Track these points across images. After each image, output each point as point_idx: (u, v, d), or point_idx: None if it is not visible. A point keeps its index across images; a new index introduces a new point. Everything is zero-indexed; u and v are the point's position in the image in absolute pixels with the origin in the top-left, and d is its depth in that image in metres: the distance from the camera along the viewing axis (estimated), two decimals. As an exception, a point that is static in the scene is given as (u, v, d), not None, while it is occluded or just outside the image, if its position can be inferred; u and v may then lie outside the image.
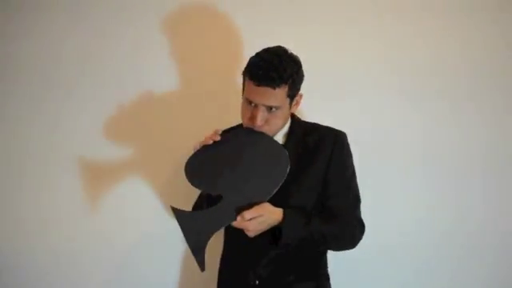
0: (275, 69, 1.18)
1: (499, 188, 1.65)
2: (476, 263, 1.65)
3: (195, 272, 1.17)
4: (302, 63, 1.27)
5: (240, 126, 1.36)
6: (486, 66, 1.64)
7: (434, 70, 1.64)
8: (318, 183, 1.30)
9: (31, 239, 1.68)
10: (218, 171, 1.23)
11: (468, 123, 1.64)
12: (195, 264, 1.19)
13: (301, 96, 1.31)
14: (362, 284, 1.66)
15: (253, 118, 1.24)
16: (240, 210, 1.18)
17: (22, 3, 1.68)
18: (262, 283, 1.30)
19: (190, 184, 1.24)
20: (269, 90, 1.19)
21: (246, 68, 1.25)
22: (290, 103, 1.27)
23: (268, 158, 1.24)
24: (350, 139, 1.35)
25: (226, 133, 1.30)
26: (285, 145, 1.30)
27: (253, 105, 1.23)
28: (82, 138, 1.68)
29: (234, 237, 1.34)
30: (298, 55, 1.26)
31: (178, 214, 1.19)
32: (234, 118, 1.41)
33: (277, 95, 1.20)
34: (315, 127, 1.37)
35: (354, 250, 1.34)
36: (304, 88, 1.30)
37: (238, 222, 1.18)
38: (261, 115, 1.22)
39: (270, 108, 1.22)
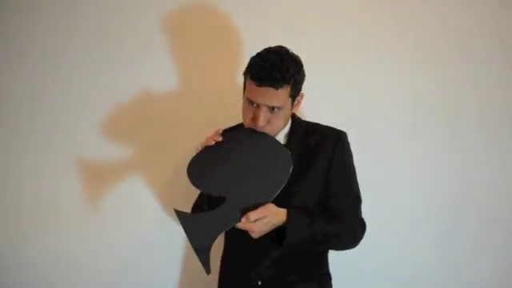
0: (278, 69, 1.18)
1: (502, 186, 1.64)
2: (477, 263, 1.65)
3: (195, 273, 1.17)
4: (302, 63, 1.26)
5: (240, 126, 1.35)
6: (486, 63, 1.63)
7: (434, 69, 1.64)
8: (319, 183, 1.30)
9: (31, 239, 1.68)
10: (221, 172, 1.23)
11: (468, 125, 1.64)
12: (195, 265, 1.19)
13: (302, 96, 1.31)
14: (363, 284, 1.66)
15: (255, 118, 1.23)
16: (244, 211, 1.17)
17: (21, 3, 1.68)
18: (264, 284, 1.30)
19: (190, 184, 1.23)
20: (271, 90, 1.19)
21: (247, 68, 1.24)
22: (292, 103, 1.27)
23: (271, 159, 1.23)
24: (349, 138, 1.35)
25: (227, 133, 1.30)
26: (287, 145, 1.30)
27: (255, 105, 1.23)
28: (82, 137, 1.68)
29: (235, 238, 1.34)
30: (298, 55, 1.26)
31: (181, 216, 1.18)
32: (235, 118, 1.41)
33: (279, 95, 1.20)
34: (316, 127, 1.36)
35: (354, 249, 1.34)
36: (304, 88, 1.29)
37: (243, 224, 1.17)
38: (263, 115, 1.22)
39: (272, 108, 1.22)
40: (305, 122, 1.39)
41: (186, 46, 1.68)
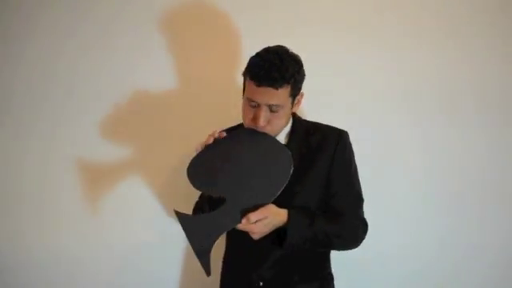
0: (277, 69, 1.17)
1: (501, 182, 1.64)
2: (477, 262, 1.65)
3: (196, 273, 1.17)
4: (302, 62, 1.25)
5: (241, 126, 1.35)
6: (486, 65, 1.63)
7: (434, 69, 1.64)
8: (321, 182, 1.29)
9: (31, 239, 1.68)
10: (221, 173, 1.22)
11: (468, 125, 1.64)
12: (196, 265, 1.18)
13: (302, 95, 1.30)
14: (365, 284, 1.65)
15: (255, 118, 1.23)
16: (244, 212, 1.16)
17: (22, 3, 1.68)
18: (265, 285, 1.29)
19: (190, 184, 1.23)
20: (271, 90, 1.18)
21: (246, 68, 1.24)
22: (292, 102, 1.26)
23: (271, 159, 1.23)
24: (350, 138, 1.35)
25: (227, 133, 1.29)
26: (288, 145, 1.30)
27: (255, 105, 1.22)
28: (82, 137, 1.68)
29: (237, 239, 1.33)
30: (298, 54, 1.25)
31: (181, 217, 1.17)
32: (235, 118, 1.41)
33: (279, 95, 1.19)
34: (317, 126, 1.36)
35: (356, 249, 1.34)
36: (304, 87, 1.29)
37: (243, 225, 1.16)
38: (263, 116, 1.21)
39: (272, 108, 1.21)
40: (306, 121, 1.38)
41: (185, 46, 1.68)
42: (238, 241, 1.31)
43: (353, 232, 1.30)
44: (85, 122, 1.68)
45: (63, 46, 1.68)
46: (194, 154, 1.26)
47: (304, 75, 1.26)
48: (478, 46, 1.63)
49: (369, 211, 1.35)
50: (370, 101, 1.65)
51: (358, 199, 1.33)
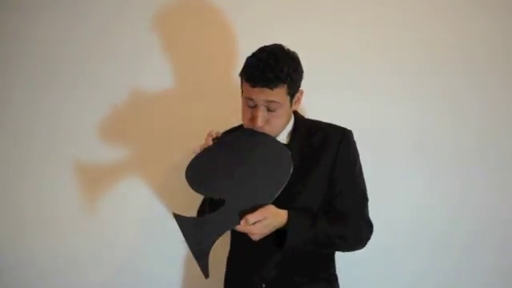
0: (271, 69, 1.15)
1: (500, 183, 1.64)
2: (477, 262, 1.65)
3: (196, 275, 1.16)
4: (301, 61, 1.24)
5: (241, 127, 1.33)
6: (485, 62, 1.63)
7: (435, 68, 1.64)
8: (324, 182, 1.27)
9: (31, 239, 1.68)
10: (220, 175, 1.20)
11: (469, 124, 1.64)
12: (198, 267, 1.17)
13: (301, 93, 1.28)
14: (368, 284, 1.65)
15: (253, 118, 1.21)
16: (243, 213, 1.14)
17: (22, 3, 1.68)
18: (268, 286, 1.27)
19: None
20: (266, 90, 1.16)
21: (242, 69, 1.22)
22: (291, 101, 1.24)
23: (270, 160, 1.21)
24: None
25: (227, 134, 1.29)
26: (289, 144, 1.28)
27: (252, 105, 1.21)
28: (82, 138, 1.68)
29: (239, 239, 1.31)
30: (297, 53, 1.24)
31: (179, 220, 1.16)
32: (233, 118, 1.40)
33: (275, 95, 1.17)
34: (320, 125, 1.33)
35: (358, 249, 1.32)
36: (303, 87, 1.28)
37: (242, 226, 1.14)
38: (261, 116, 1.20)
39: (269, 108, 1.20)
40: (309, 120, 1.35)
41: (185, 46, 1.68)
42: (241, 241, 1.30)
43: (357, 233, 1.27)
44: (85, 122, 1.68)
45: (63, 46, 1.68)
46: (192, 155, 1.25)
47: (302, 73, 1.24)
48: (478, 40, 1.63)
49: (369, 210, 1.34)
50: (370, 101, 1.65)
51: (363, 199, 1.30)
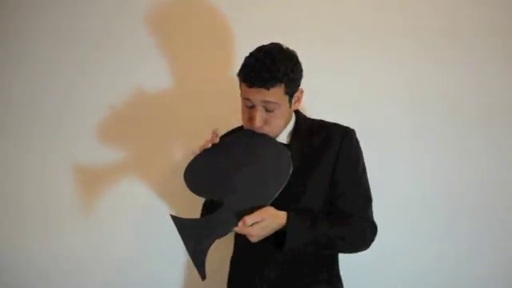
0: (267, 69, 1.14)
1: (500, 183, 1.64)
2: (477, 262, 1.64)
3: (197, 275, 1.16)
4: (298, 58, 1.23)
5: (241, 128, 1.32)
6: (487, 65, 1.63)
7: (435, 69, 1.63)
8: (325, 183, 1.24)
9: (31, 239, 1.68)
10: (218, 176, 1.19)
11: (469, 125, 1.64)
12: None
13: (301, 92, 1.26)
14: (369, 284, 1.64)
15: (251, 119, 1.20)
16: (242, 215, 1.13)
17: (21, 3, 1.68)
18: (269, 287, 1.26)
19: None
20: (262, 90, 1.15)
21: (240, 69, 1.21)
22: (290, 101, 1.22)
23: (270, 160, 1.20)
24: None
25: (227, 135, 1.28)
26: (289, 144, 1.26)
27: (250, 105, 1.20)
28: (81, 138, 1.68)
29: (241, 241, 1.29)
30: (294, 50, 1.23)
31: (177, 222, 1.15)
32: (233, 118, 1.40)
33: (272, 95, 1.16)
34: (322, 124, 1.30)
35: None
36: (303, 86, 1.28)
37: (240, 228, 1.13)
38: (259, 116, 1.19)
39: (267, 108, 1.18)
40: (310, 119, 1.33)
41: (185, 46, 1.68)
42: (242, 242, 1.27)
43: (360, 234, 1.24)
44: (85, 123, 1.68)
45: (63, 47, 1.68)
46: (191, 157, 1.25)
47: (301, 72, 1.23)
48: (479, 46, 1.62)
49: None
50: (370, 101, 1.65)
51: (366, 199, 1.27)
